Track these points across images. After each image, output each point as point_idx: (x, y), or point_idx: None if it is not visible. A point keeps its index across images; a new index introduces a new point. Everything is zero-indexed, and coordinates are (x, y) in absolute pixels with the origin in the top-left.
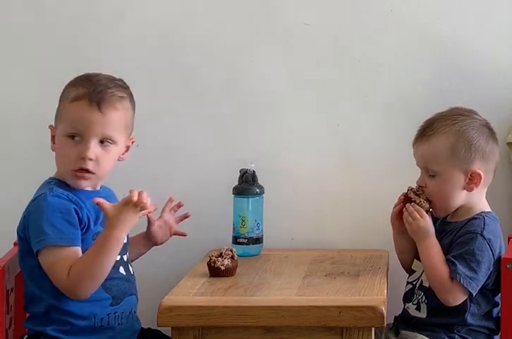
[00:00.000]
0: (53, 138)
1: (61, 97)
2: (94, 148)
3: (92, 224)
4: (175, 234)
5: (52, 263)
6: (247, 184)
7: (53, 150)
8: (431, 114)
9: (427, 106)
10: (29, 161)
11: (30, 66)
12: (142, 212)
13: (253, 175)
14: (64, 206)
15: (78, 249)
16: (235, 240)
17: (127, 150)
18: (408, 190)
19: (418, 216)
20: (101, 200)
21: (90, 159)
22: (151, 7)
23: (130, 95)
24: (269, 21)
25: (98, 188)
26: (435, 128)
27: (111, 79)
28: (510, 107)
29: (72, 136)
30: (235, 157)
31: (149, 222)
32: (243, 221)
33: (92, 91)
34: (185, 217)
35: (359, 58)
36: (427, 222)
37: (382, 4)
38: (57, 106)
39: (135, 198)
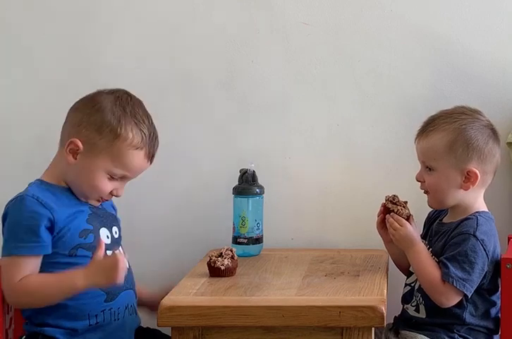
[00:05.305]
0: (74, 152)
1: (108, 125)
2: None
3: (69, 223)
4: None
5: (7, 270)
6: (247, 184)
7: (69, 164)
8: (431, 114)
9: (426, 106)
10: (29, 160)
11: (30, 66)
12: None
13: (253, 175)
14: (32, 212)
15: (35, 258)
16: (235, 240)
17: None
18: (386, 200)
19: (398, 226)
20: (102, 243)
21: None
22: (151, 7)
23: None
24: (269, 21)
25: None
26: (436, 124)
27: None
28: (510, 107)
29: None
30: (235, 157)
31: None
32: (243, 221)
33: (149, 142)
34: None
35: (359, 58)
36: (408, 229)
37: (382, 4)
38: (93, 126)
39: (118, 263)
